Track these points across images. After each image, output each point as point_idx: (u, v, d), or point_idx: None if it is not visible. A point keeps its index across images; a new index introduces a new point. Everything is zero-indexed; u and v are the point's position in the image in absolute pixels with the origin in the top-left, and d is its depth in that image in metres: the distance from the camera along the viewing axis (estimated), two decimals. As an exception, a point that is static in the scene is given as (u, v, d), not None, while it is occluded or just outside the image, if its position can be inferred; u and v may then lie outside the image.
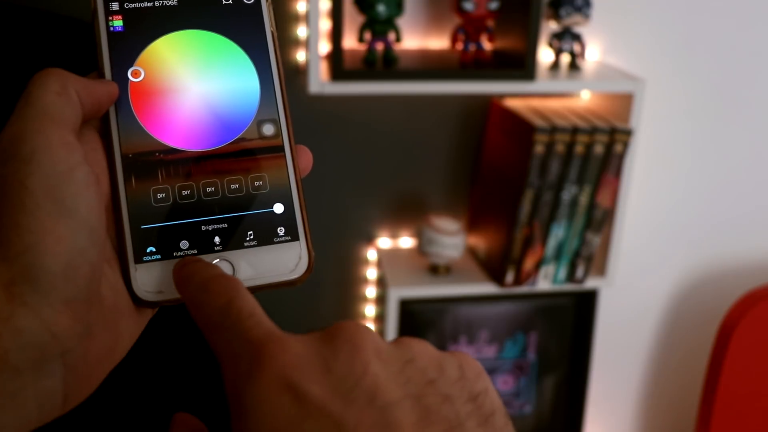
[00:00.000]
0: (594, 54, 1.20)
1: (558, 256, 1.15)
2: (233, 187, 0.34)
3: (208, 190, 0.34)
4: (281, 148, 0.35)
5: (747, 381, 1.24)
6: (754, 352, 1.23)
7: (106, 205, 0.32)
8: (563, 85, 1.07)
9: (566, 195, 1.10)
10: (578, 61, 1.12)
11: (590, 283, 1.19)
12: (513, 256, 1.13)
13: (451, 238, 1.14)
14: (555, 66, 1.11)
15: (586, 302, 1.27)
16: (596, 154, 1.08)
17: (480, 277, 1.18)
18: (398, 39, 1.05)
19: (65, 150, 0.29)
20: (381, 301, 1.22)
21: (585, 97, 1.22)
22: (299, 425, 0.24)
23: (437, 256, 1.16)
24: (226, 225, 0.34)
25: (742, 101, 1.30)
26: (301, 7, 1.09)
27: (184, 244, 0.33)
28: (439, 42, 1.16)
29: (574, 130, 1.06)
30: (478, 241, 1.23)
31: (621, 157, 1.09)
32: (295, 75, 1.13)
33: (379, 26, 1.03)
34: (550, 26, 1.13)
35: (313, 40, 0.98)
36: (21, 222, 0.27)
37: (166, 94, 0.34)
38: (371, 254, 1.27)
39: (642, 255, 1.37)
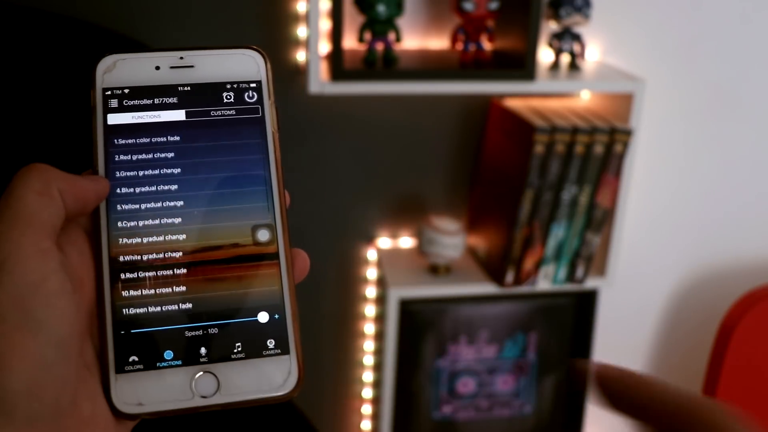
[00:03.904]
0: (594, 54, 1.20)
1: (558, 256, 1.15)
2: (223, 295, 0.33)
3: (197, 297, 0.32)
4: (276, 256, 0.34)
5: (747, 381, 1.24)
6: (754, 352, 1.23)
7: (89, 310, 0.31)
8: (563, 85, 1.07)
9: (566, 195, 1.10)
10: (578, 61, 1.12)
11: (590, 283, 1.19)
12: (513, 256, 1.13)
13: (451, 238, 1.14)
14: (555, 66, 1.11)
15: (586, 302, 1.27)
16: (596, 154, 1.08)
17: (480, 277, 1.18)
18: (398, 39, 1.05)
19: (39, 258, 0.28)
20: (381, 301, 1.22)
21: (585, 97, 1.22)
22: None
23: (437, 256, 1.16)
24: (213, 335, 0.32)
25: (742, 101, 1.30)
26: (301, 7, 1.09)
27: (168, 354, 0.32)
28: (439, 42, 1.16)
29: (574, 130, 1.06)
30: (478, 241, 1.23)
31: (621, 157, 1.09)
32: (295, 75, 1.13)
33: (379, 26, 1.03)
34: (550, 26, 1.13)
35: (313, 40, 0.98)
36: None
37: (160, 192, 0.33)
38: (371, 254, 1.27)
39: (642, 255, 1.37)
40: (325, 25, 1.02)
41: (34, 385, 0.26)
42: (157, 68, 0.34)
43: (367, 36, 1.04)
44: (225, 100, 0.35)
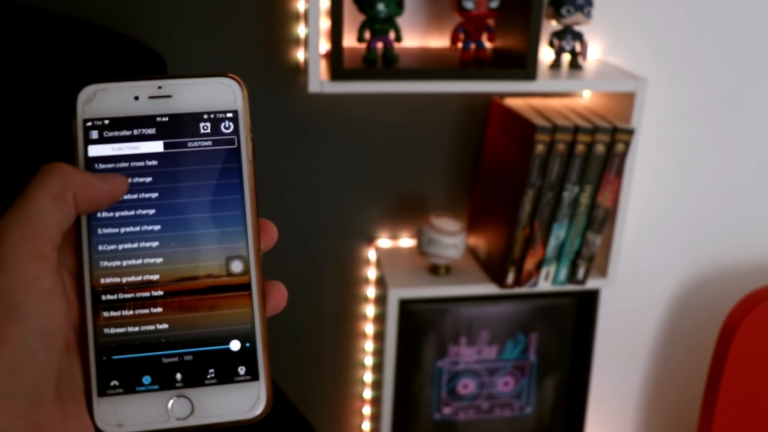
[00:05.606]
0: (595, 53, 1.19)
1: (559, 256, 1.15)
2: (198, 324, 0.35)
3: (173, 325, 0.35)
4: (248, 286, 0.36)
5: (749, 382, 1.23)
6: (756, 352, 1.23)
7: (76, 329, 0.33)
8: (564, 84, 1.07)
9: (567, 195, 1.10)
10: (579, 60, 1.11)
11: (591, 284, 1.19)
12: (514, 256, 1.12)
13: (452, 239, 1.14)
14: (556, 65, 1.11)
15: (587, 303, 1.26)
16: (597, 153, 1.08)
17: (480, 277, 1.18)
18: (398, 38, 1.04)
19: (35, 262, 0.30)
20: (381, 301, 1.22)
21: (586, 97, 1.22)
22: None
23: (437, 256, 1.15)
24: (188, 362, 0.35)
25: (744, 100, 1.29)
26: (300, 6, 1.09)
27: (146, 379, 0.34)
28: (439, 41, 1.15)
29: (576, 130, 1.06)
30: (479, 242, 1.22)
31: (622, 157, 1.09)
32: (295, 74, 1.12)
33: (378, 25, 1.03)
34: (552, 25, 1.13)
35: (313, 39, 0.97)
36: None
37: (137, 227, 0.35)
38: (371, 254, 1.26)
39: (643, 255, 1.36)
40: (325, 23, 1.02)
41: (15, 366, 0.29)
42: (136, 98, 0.36)
43: (367, 35, 1.03)
44: (202, 131, 0.36)
